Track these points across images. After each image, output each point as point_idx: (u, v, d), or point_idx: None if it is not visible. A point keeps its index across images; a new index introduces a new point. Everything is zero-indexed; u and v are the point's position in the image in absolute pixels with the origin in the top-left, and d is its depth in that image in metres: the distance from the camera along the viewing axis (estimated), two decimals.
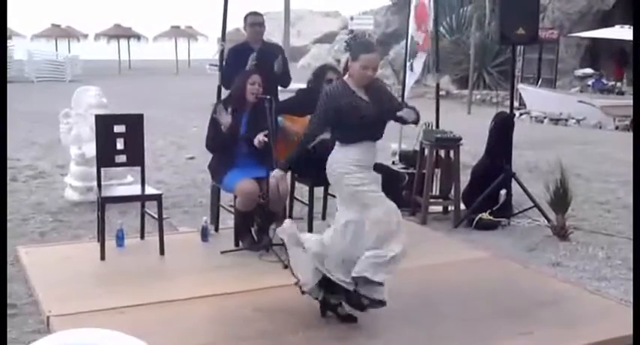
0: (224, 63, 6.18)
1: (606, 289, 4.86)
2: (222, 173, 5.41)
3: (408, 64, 7.76)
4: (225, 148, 5.36)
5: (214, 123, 5.39)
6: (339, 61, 27.40)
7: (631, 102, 15.42)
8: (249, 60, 5.84)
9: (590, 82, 18.93)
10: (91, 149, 6.44)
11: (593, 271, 5.30)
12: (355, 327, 3.97)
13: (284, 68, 6.00)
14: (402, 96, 8.21)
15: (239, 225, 5.47)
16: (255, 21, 6.08)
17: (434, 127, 7.15)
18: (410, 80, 7.95)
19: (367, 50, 3.96)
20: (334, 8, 44.12)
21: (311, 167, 5.54)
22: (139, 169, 5.60)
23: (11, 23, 35.38)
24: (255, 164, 5.30)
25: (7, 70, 26.26)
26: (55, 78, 27.31)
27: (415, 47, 7.61)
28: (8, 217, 6.42)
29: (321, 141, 5.51)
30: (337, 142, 4.03)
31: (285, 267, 4.90)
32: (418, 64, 7.69)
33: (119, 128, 5.39)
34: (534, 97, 17.86)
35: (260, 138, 5.15)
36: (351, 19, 28.76)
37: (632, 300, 4.53)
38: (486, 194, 6.48)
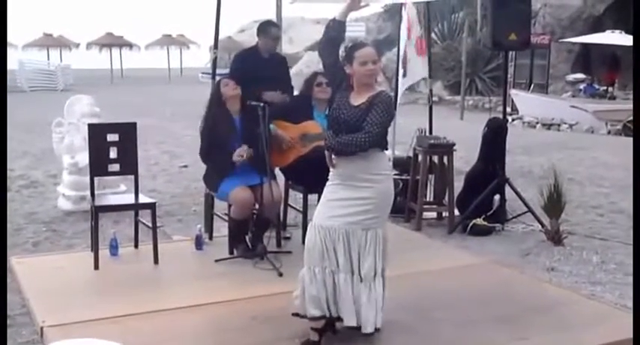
0: (231, 67, 6.23)
1: (601, 294, 4.86)
2: (216, 182, 5.40)
3: (400, 71, 7.76)
4: (220, 157, 5.35)
5: (207, 134, 5.39)
6: None
7: (622, 107, 15.53)
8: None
9: (581, 87, 19.01)
10: (84, 158, 6.42)
11: (588, 275, 5.30)
12: (350, 334, 3.95)
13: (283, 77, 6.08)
14: (395, 102, 8.21)
15: (233, 233, 5.45)
16: (277, 35, 6.19)
17: (427, 133, 7.16)
18: (402, 87, 7.95)
19: (359, 47, 3.84)
20: (325, 15, 44.15)
21: (305, 174, 5.56)
22: (132, 177, 5.58)
23: None
24: (249, 172, 5.29)
25: None
26: (48, 87, 27.28)
27: (407, 53, 7.59)
28: None
29: (314, 148, 5.55)
30: (379, 149, 3.85)
31: (280, 275, 4.92)
32: (416, 68, 7.66)
33: (112, 137, 5.37)
34: (526, 102, 17.92)
35: (239, 152, 5.16)
36: None
37: (627, 304, 4.54)
38: (480, 200, 6.49)
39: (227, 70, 6.34)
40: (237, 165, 5.23)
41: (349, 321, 3.77)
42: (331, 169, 3.88)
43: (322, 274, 3.75)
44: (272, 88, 5.85)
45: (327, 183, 3.91)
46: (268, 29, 6.11)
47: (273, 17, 7.32)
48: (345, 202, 3.78)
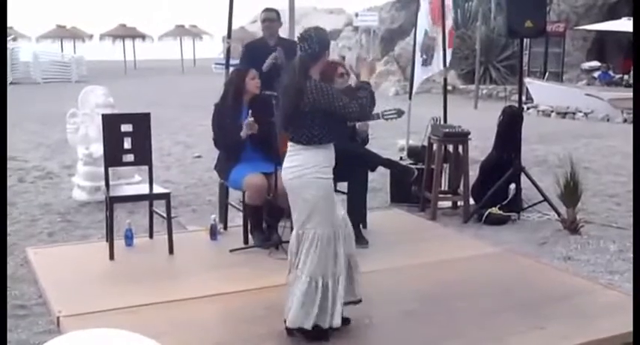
0: (240, 59, 6.22)
1: (619, 283, 4.82)
2: (228, 170, 5.40)
3: (420, 59, 7.70)
4: (229, 145, 5.36)
5: (217, 121, 5.39)
6: (344, 57, 27.36)
7: None
8: (269, 58, 5.87)
9: (596, 75, 18.83)
10: (98, 149, 6.44)
11: (605, 264, 5.26)
12: (368, 323, 3.95)
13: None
14: (410, 92, 8.18)
15: (250, 220, 5.45)
16: (265, 17, 6.19)
17: (441, 122, 7.12)
18: (422, 75, 7.89)
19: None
20: (338, 5, 44.15)
21: None
22: (146, 168, 5.59)
23: (16, 25, 35.52)
24: (261, 159, 5.31)
25: (14, 72, 26.41)
26: (61, 79, 27.36)
27: (431, 42, 7.54)
28: (17, 219, 6.43)
29: None
30: (313, 144, 3.72)
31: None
32: (437, 60, 7.62)
33: (126, 127, 5.38)
34: (541, 90, 17.77)
35: (250, 120, 5.14)
36: (356, 15, 28.70)
37: None
38: (495, 189, 6.45)
39: (238, 61, 6.34)
40: (245, 151, 5.25)
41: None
42: (327, 164, 3.79)
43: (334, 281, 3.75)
44: (280, 74, 5.84)
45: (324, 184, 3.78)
46: (261, 15, 6.22)
47: (285, 7, 7.28)
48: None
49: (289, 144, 3.81)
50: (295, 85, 3.72)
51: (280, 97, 3.92)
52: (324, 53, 3.83)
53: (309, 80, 3.73)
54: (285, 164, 3.81)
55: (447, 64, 7.69)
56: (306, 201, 3.72)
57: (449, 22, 7.51)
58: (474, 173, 6.85)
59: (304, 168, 3.71)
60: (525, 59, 19.19)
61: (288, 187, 3.81)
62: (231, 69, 6.39)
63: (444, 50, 7.58)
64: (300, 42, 3.79)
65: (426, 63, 7.67)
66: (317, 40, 3.76)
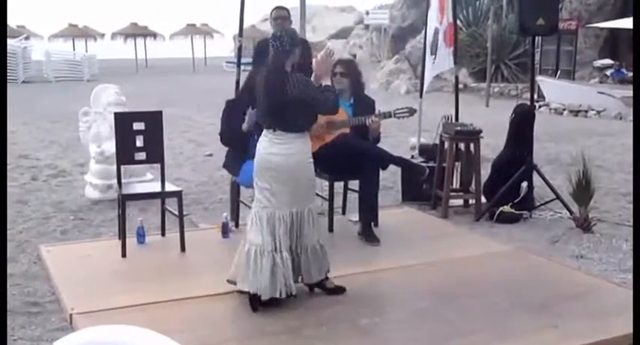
0: (252, 57, 6.22)
1: (631, 281, 4.79)
2: (239, 165, 5.40)
3: (429, 56, 7.67)
4: (240, 141, 5.36)
5: (226, 119, 5.40)
6: (355, 55, 27.38)
7: None
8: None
9: (609, 73, 18.73)
10: (110, 147, 6.47)
11: (618, 263, 5.23)
12: (379, 321, 3.95)
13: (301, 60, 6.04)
14: (421, 90, 8.16)
15: None
16: (277, 15, 6.16)
17: (453, 120, 7.10)
18: (431, 74, 7.87)
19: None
20: (349, 3, 44.04)
21: (331, 162, 5.54)
22: (158, 166, 5.60)
23: (29, 24, 35.71)
24: None
25: (26, 70, 26.56)
26: (73, 78, 27.49)
27: (438, 40, 7.51)
28: (30, 216, 6.47)
29: (340, 135, 5.54)
30: (302, 131, 4.09)
31: None
32: (444, 58, 7.59)
33: (138, 125, 5.38)
34: (553, 88, 17.70)
35: None
36: (367, 13, 28.74)
37: None
38: (507, 187, 6.42)
39: (251, 59, 6.33)
40: (255, 148, 5.25)
41: None
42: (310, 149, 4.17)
43: None
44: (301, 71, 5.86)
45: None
46: (272, 13, 6.21)
47: (296, 5, 7.27)
48: None
49: (274, 133, 4.05)
50: (278, 79, 4.00)
51: (261, 91, 4.14)
52: (295, 50, 4.09)
53: (292, 73, 4.01)
54: (278, 150, 4.05)
55: (454, 61, 7.65)
56: (310, 182, 4.11)
57: (447, 18, 7.46)
58: (485, 171, 6.84)
59: (303, 153, 4.06)
60: (537, 57, 19.11)
61: (288, 171, 4.03)
62: (242, 67, 6.40)
63: (455, 48, 7.55)
64: (273, 40, 4.07)
65: (433, 60, 7.64)
66: (288, 39, 4.05)
